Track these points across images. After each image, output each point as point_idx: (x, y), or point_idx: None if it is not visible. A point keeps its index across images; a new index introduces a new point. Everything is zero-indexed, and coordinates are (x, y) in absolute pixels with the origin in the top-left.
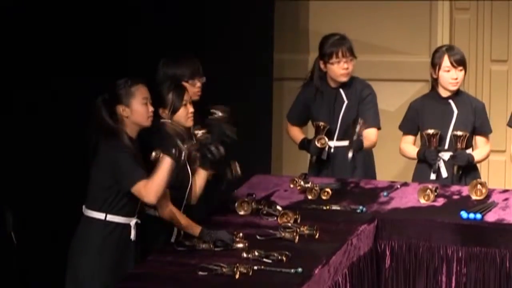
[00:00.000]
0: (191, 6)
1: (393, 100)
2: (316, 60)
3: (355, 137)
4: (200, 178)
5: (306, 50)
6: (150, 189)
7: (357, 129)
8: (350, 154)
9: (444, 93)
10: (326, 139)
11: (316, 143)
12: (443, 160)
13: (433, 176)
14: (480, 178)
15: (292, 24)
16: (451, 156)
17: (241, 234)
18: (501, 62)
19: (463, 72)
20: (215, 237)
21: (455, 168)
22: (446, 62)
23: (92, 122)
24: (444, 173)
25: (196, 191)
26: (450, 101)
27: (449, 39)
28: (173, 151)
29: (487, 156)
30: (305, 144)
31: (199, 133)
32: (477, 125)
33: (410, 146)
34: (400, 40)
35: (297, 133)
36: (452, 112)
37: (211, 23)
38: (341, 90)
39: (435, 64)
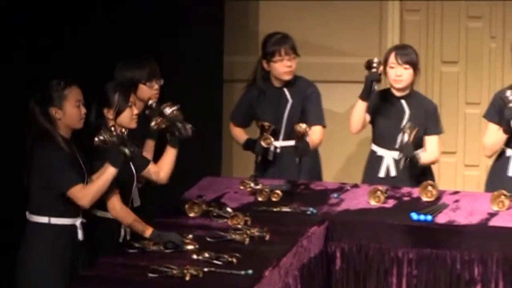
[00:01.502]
0: (140, 7)
1: (343, 102)
2: (259, 60)
3: (299, 143)
4: (169, 156)
5: (256, 52)
6: (86, 194)
7: (300, 133)
8: (297, 160)
9: (396, 92)
10: (272, 139)
11: (262, 143)
12: (394, 159)
13: (382, 174)
14: (433, 179)
15: (242, 26)
16: (399, 148)
17: (191, 236)
18: (451, 64)
19: (409, 71)
20: (165, 239)
21: (402, 160)
22: (392, 58)
23: (28, 124)
24: (393, 172)
25: (166, 169)
26: (402, 101)
27: (399, 40)
28: (117, 159)
29: (437, 158)
30: (250, 144)
31: (169, 110)
32: (427, 126)
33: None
34: (350, 42)
35: (240, 133)
36: (404, 111)
37: (160, 24)
38: (285, 90)
39: (384, 61)
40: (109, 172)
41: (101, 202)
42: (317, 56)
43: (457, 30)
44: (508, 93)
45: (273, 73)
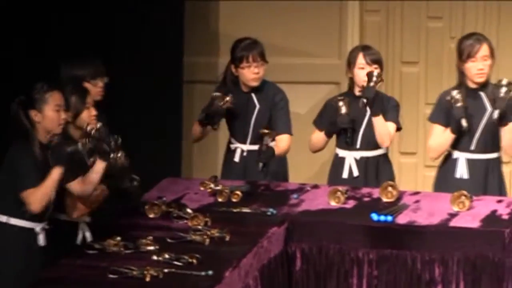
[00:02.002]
0: (100, 7)
1: (304, 103)
2: (228, 63)
3: (263, 148)
4: (97, 170)
5: (216, 53)
6: (35, 197)
7: (265, 141)
8: (260, 165)
9: (359, 92)
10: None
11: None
12: (355, 159)
13: (345, 175)
14: (394, 180)
15: (202, 26)
16: (360, 158)
17: (151, 237)
18: (411, 64)
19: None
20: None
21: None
22: (360, 59)
23: (10, 124)
24: (356, 172)
25: (92, 180)
26: (365, 101)
27: (359, 41)
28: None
29: (389, 140)
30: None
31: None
32: (388, 118)
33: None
34: (311, 43)
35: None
36: (366, 111)
37: (121, 24)
38: (253, 95)
39: (350, 63)
40: (54, 172)
41: (62, 205)
42: (278, 57)
43: (417, 30)
44: (454, 92)
45: (240, 78)
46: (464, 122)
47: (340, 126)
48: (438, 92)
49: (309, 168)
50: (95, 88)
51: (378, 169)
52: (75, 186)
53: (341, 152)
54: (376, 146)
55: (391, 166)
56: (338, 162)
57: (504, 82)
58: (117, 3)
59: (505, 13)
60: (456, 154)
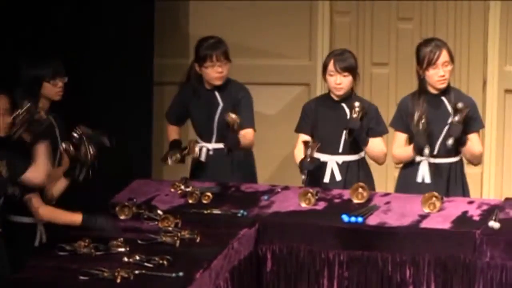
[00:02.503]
0: (70, 8)
1: (274, 104)
2: (192, 62)
3: (229, 135)
4: (61, 184)
5: (186, 54)
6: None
7: (231, 125)
8: (225, 150)
9: (335, 96)
10: (197, 148)
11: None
12: (337, 164)
13: (326, 179)
14: (372, 182)
15: (172, 28)
16: (342, 162)
17: (122, 239)
18: (382, 65)
19: (349, 78)
20: (98, 224)
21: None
22: (331, 66)
23: None
24: (338, 177)
25: (53, 194)
26: (343, 104)
27: (329, 42)
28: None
29: (384, 156)
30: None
31: (84, 149)
32: (371, 127)
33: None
34: (281, 44)
35: (172, 133)
36: (345, 115)
37: (91, 26)
38: (216, 93)
39: (324, 67)
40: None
41: (16, 207)
42: (248, 58)
43: (387, 31)
44: (416, 116)
45: (204, 77)
46: (426, 150)
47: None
48: (408, 93)
49: (278, 169)
50: (55, 88)
51: (359, 174)
52: (31, 175)
53: (323, 157)
54: (357, 150)
55: (370, 171)
56: (319, 166)
57: (460, 106)
58: (88, 4)
59: (476, 14)
60: (418, 158)
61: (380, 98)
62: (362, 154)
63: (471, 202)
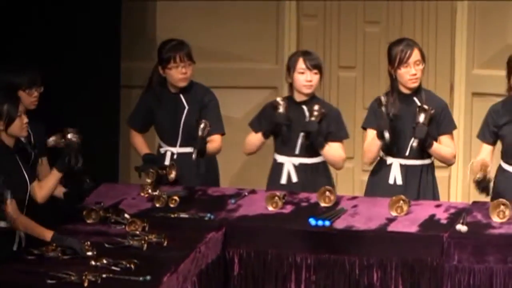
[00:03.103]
0: (36, 11)
1: (241, 107)
2: (155, 66)
3: (198, 138)
4: (52, 179)
5: (153, 57)
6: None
7: (200, 131)
8: (194, 155)
9: (298, 98)
10: (174, 173)
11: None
12: (294, 165)
13: (283, 181)
14: (331, 185)
15: (139, 31)
16: (299, 164)
17: (89, 242)
18: (349, 69)
19: (318, 76)
20: (66, 242)
21: (302, 138)
22: (301, 64)
23: None
24: (294, 178)
25: (45, 192)
26: (303, 106)
27: (296, 45)
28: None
29: (342, 161)
30: (148, 160)
31: (71, 136)
32: (331, 131)
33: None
34: (248, 48)
35: (140, 142)
36: (305, 117)
37: (58, 30)
38: (181, 96)
39: (289, 68)
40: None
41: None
42: (215, 62)
43: (354, 35)
44: (383, 99)
45: (168, 80)
46: (386, 134)
47: (276, 121)
48: (375, 96)
49: (245, 172)
50: (30, 98)
51: (317, 176)
52: (36, 190)
53: (280, 158)
54: (316, 153)
55: (331, 174)
56: (277, 168)
57: (424, 107)
58: (55, 8)
59: (443, 17)
60: (390, 159)
61: (347, 102)
62: (320, 157)
63: (438, 206)
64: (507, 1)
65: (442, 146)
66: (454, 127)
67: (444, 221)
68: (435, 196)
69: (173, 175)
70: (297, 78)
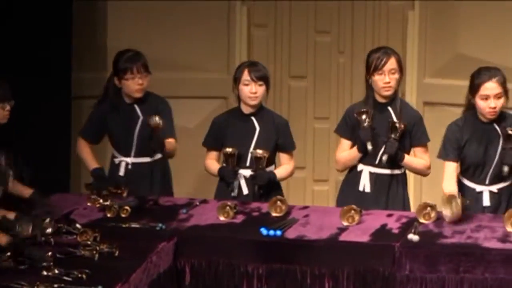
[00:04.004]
0: None
1: (192, 117)
2: (110, 76)
3: (152, 138)
4: None
5: (104, 68)
6: None
7: (155, 123)
8: (153, 145)
9: (246, 110)
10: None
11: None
12: (244, 177)
13: (233, 193)
14: (282, 195)
15: (90, 42)
16: (250, 176)
17: (51, 253)
18: (299, 78)
19: (263, 87)
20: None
21: (256, 187)
22: (246, 76)
23: None
24: (245, 190)
25: None
26: (253, 118)
27: (247, 55)
28: None
29: (292, 173)
30: (98, 174)
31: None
32: (280, 142)
33: (214, 162)
34: (199, 57)
35: (88, 155)
36: (254, 129)
37: (7, 41)
38: (136, 106)
39: (236, 79)
40: None
41: None
42: (166, 72)
43: (305, 44)
44: (364, 116)
45: (124, 90)
46: (369, 145)
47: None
48: (326, 106)
49: (196, 181)
50: (3, 112)
51: (268, 188)
52: None
53: None
54: (266, 165)
55: (280, 185)
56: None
57: (396, 124)
58: (4, 19)
59: (394, 27)
60: (360, 166)
61: (298, 111)
62: (271, 168)
63: (390, 215)
64: (458, 10)
65: (415, 158)
66: (428, 139)
67: (395, 231)
68: (405, 205)
69: (125, 194)
70: (242, 89)
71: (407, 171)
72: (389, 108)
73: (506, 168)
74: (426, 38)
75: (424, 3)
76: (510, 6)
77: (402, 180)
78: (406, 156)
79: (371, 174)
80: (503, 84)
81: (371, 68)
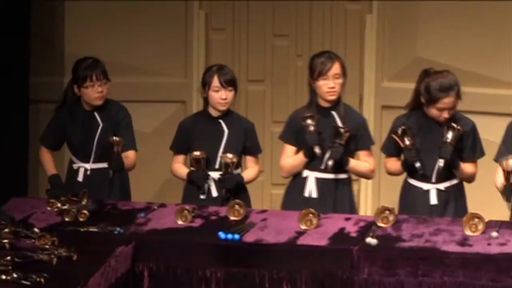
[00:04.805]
0: None
1: (150, 121)
2: (70, 83)
3: (114, 155)
4: None
5: (62, 73)
6: None
7: (115, 148)
8: (111, 173)
9: (214, 113)
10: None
11: None
12: (214, 179)
13: (203, 196)
14: (248, 197)
15: (48, 46)
16: (219, 179)
17: (9, 258)
18: (258, 82)
19: (232, 92)
20: None
21: (223, 190)
22: (215, 82)
23: None
24: (214, 193)
25: None
26: (221, 121)
27: (205, 59)
28: None
29: (257, 176)
30: (54, 180)
31: None
32: (247, 145)
33: (182, 166)
34: (157, 62)
35: (48, 161)
36: (223, 132)
37: None
38: (96, 113)
39: (205, 84)
40: None
41: None
42: (124, 76)
43: (263, 48)
44: (308, 120)
45: (84, 98)
46: (317, 149)
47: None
48: (285, 109)
49: (154, 186)
50: None
51: (236, 191)
52: None
53: None
54: (235, 167)
55: (246, 188)
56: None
57: (341, 130)
58: None
59: (352, 30)
60: (305, 172)
61: (256, 115)
62: (238, 170)
63: (348, 219)
64: (416, 13)
65: (360, 162)
66: (372, 142)
67: (354, 234)
68: (352, 209)
69: (84, 202)
70: (212, 95)
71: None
72: (333, 112)
73: (441, 162)
74: (384, 41)
75: (382, 6)
76: (469, 9)
77: (347, 184)
78: (351, 160)
79: (317, 179)
80: (458, 93)
81: (315, 73)
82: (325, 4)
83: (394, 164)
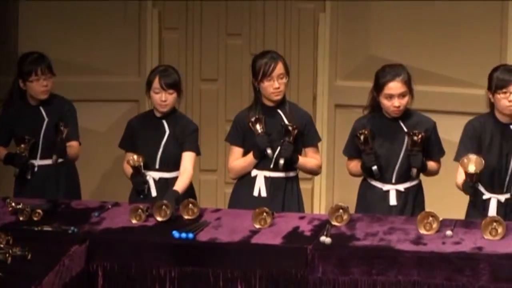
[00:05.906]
0: None
1: (103, 120)
2: (15, 78)
3: (58, 140)
4: None
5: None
6: None
7: (59, 138)
8: (54, 157)
9: (158, 113)
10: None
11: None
12: (154, 179)
13: (142, 196)
14: (195, 197)
15: (1, 44)
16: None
17: None
18: (211, 81)
19: (174, 95)
20: None
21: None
22: (156, 84)
23: None
24: (154, 193)
25: None
26: (164, 121)
27: (158, 58)
28: None
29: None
30: (10, 158)
31: None
32: (185, 145)
33: (129, 166)
34: (110, 61)
35: (1, 155)
36: (164, 132)
37: None
38: (41, 108)
39: (148, 84)
40: None
41: None
42: (77, 75)
43: (216, 47)
44: (257, 125)
45: (29, 92)
46: (269, 150)
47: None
48: (238, 108)
49: (107, 184)
50: None
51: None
52: None
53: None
54: (175, 168)
55: (193, 187)
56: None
57: (289, 128)
58: None
59: (306, 29)
60: (254, 171)
61: (209, 114)
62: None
63: (302, 218)
64: (369, 12)
65: (308, 159)
66: (319, 139)
67: (308, 233)
68: (300, 208)
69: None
70: (153, 96)
71: (299, 172)
72: (279, 111)
73: (414, 171)
74: (337, 40)
75: (335, 5)
76: (422, 7)
77: (296, 182)
78: (300, 157)
79: (266, 178)
80: (407, 82)
81: (259, 74)
82: (278, 3)
83: (356, 165)
